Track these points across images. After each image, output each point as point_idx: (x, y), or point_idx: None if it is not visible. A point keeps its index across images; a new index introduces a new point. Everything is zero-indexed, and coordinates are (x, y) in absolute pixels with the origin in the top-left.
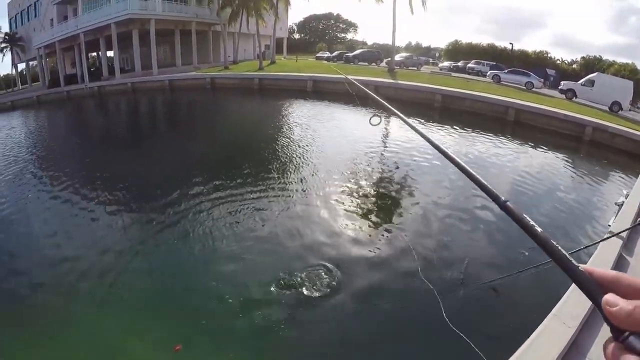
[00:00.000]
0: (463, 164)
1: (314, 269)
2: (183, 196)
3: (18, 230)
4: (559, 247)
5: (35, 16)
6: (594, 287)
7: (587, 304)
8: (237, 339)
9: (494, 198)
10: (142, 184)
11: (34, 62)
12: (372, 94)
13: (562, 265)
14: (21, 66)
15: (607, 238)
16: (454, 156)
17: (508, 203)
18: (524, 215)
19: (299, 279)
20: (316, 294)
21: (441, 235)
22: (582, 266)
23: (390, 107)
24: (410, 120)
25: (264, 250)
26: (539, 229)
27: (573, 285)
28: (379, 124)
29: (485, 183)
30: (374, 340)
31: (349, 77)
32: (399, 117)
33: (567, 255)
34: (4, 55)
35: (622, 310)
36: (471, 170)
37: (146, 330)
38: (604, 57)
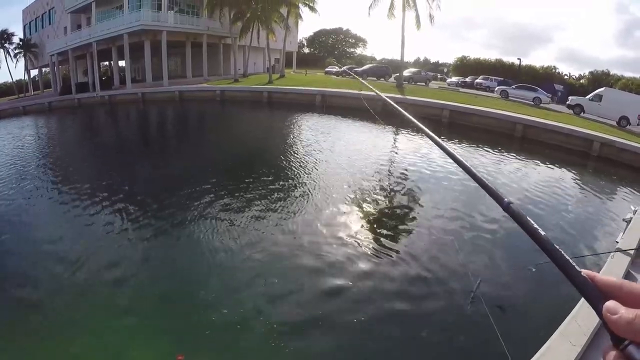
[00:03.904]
0: (469, 165)
1: (321, 281)
2: (190, 206)
3: (25, 235)
4: (562, 252)
5: (50, 23)
6: (595, 293)
7: (594, 321)
8: (240, 350)
9: (498, 200)
10: (150, 192)
11: (47, 69)
12: (401, 109)
13: (563, 269)
14: (34, 72)
15: (615, 251)
16: (460, 158)
17: (512, 205)
18: (528, 218)
19: (305, 291)
20: (322, 307)
21: (454, 250)
22: (584, 271)
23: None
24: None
25: (270, 261)
26: (542, 232)
27: (579, 303)
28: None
29: (489, 184)
30: (382, 354)
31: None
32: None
33: (570, 260)
34: (17, 61)
35: (623, 318)
36: (475, 172)
37: (149, 339)
38: (612, 72)
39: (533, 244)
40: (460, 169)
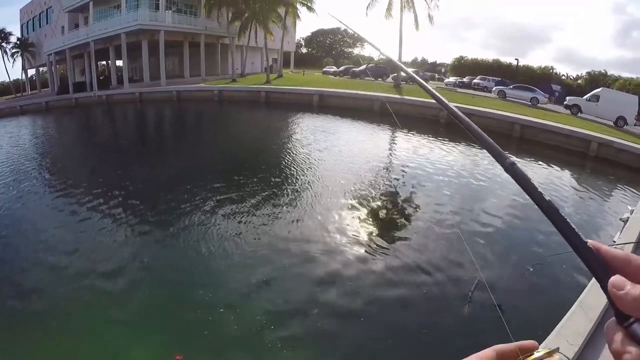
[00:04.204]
0: (469, 120)
1: (320, 278)
2: (188, 206)
3: (22, 235)
4: (567, 219)
5: (47, 23)
6: (601, 266)
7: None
8: (239, 351)
9: (500, 159)
10: (147, 192)
11: (44, 68)
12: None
13: (568, 238)
14: (31, 72)
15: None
16: (460, 114)
17: (515, 165)
18: (532, 181)
19: (304, 289)
20: (321, 305)
21: (453, 250)
22: (590, 242)
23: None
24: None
25: (269, 260)
26: (547, 198)
27: (573, 306)
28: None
29: (492, 142)
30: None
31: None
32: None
33: (575, 229)
34: (14, 60)
35: (630, 294)
36: (477, 128)
37: (147, 339)
38: (609, 72)
39: (532, 243)
40: (452, 172)
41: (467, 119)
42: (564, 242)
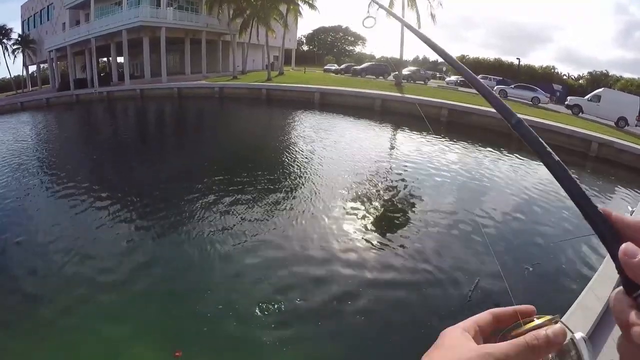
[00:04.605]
0: (477, 78)
1: (320, 276)
2: (187, 202)
3: (20, 231)
4: (577, 181)
5: (48, 19)
6: (611, 233)
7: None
8: (239, 347)
9: (507, 115)
10: (147, 188)
11: (45, 65)
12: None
13: (577, 201)
14: (32, 68)
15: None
16: (469, 71)
17: (522, 122)
18: (540, 140)
19: (305, 286)
20: (320, 302)
21: (454, 250)
22: (600, 207)
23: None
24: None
25: (270, 258)
26: (556, 158)
27: (582, 293)
28: (372, 26)
29: (500, 100)
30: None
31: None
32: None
33: (585, 192)
34: (15, 56)
35: None
36: (486, 87)
37: (147, 335)
38: (611, 72)
39: (532, 244)
40: (454, 170)
41: (477, 77)
42: (562, 244)
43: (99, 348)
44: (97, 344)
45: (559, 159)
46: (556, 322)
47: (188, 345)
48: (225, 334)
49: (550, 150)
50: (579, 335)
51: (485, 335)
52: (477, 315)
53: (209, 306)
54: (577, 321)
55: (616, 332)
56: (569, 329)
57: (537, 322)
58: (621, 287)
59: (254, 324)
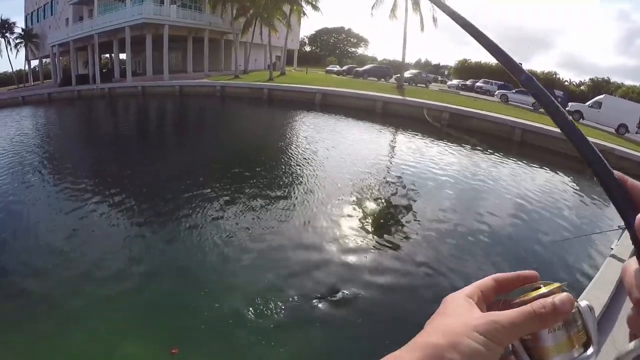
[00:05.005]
0: (486, 35)
1: (317, 275)
2: (184, 200)
3: (17, 227)
4: (589, 140)
5: (52, 14)
6: (626, 200)
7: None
8: (234, 344)
9: (515, 71)
10: (146, 186)
11: (47, 60)
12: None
13: (590, 162)
14: (34, 63)
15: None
16: (477, 27)
17: (532, 79)
18: (552, 98)
19: (301, 286)
20: (317, 301)
21: (452, 252)
22: (616, 172)
23: None
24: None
25: (266, 257)
26: (569, 118)
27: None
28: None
29: (508, 55)
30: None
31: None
32: None
33: (600, 154)
34: (18, 51)
35: None
36: (494, 42)
37: (142, 332)
38: (612, 79)
39: (530, 246)
40: (454, 173)
41: (484, 33)
42: (561, 245)
43: (96, 344)
44: (94, 341)
45: (571, 118)
46: (561, 290)
47: (184, 343)
48: (222, 332)
49: (563, 110)
50: (584, 303)
51: (488, 301)
52: (479, 281)
53: (206, 304)
54: (588, 292)
55: (627, 305)
56: (574, 297)
57: (543, 290)
58: (635, 258)
59: (250, 321)
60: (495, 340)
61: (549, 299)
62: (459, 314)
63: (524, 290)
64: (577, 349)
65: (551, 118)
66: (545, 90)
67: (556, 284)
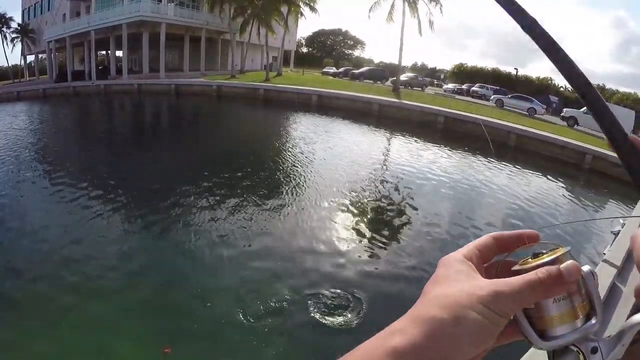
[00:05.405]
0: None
1: (310, 276)
2: (177, 200)
3: (11, 226)
4: (603, 99)
5: (49, 10)
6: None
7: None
8: (226, 343)
9: (519, 17)
10: (139, 185)
11: (43, 55)
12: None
13: (602, 124)
14: (30, 58)
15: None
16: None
17: (536, 23)
18: (560, 46)
19: (294, 287)
20: (311, 301)
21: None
22: (631, 135)
23: None
24: None
25: (259, 257)
26: (579, 70)
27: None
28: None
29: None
30: None
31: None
32: None
33: (611, 111)
34: (14, 45)
35: None
36: None
37: (135, 331)
38: (607, 86)
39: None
40: (449, 176)
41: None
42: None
43: (88, 344)
44: (86, 340)
45: (581, 70)
46: (565, 256)
47: (177, 342)
48: (214, 331)
49: (571, 59)
50: (586, 268)
51: (486, 261)
52: (478, 240)
53: (199, 303)
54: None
55: (634, 277)
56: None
57: (546, 257)
58: None
59: (243, 321)
60: (501, 313)
61: (555, 268)
62: (460, 282)
63: (525, 254)
64: (580, 319)
65: (558, 68)
66: (552, 38)
67: (561, 249)
